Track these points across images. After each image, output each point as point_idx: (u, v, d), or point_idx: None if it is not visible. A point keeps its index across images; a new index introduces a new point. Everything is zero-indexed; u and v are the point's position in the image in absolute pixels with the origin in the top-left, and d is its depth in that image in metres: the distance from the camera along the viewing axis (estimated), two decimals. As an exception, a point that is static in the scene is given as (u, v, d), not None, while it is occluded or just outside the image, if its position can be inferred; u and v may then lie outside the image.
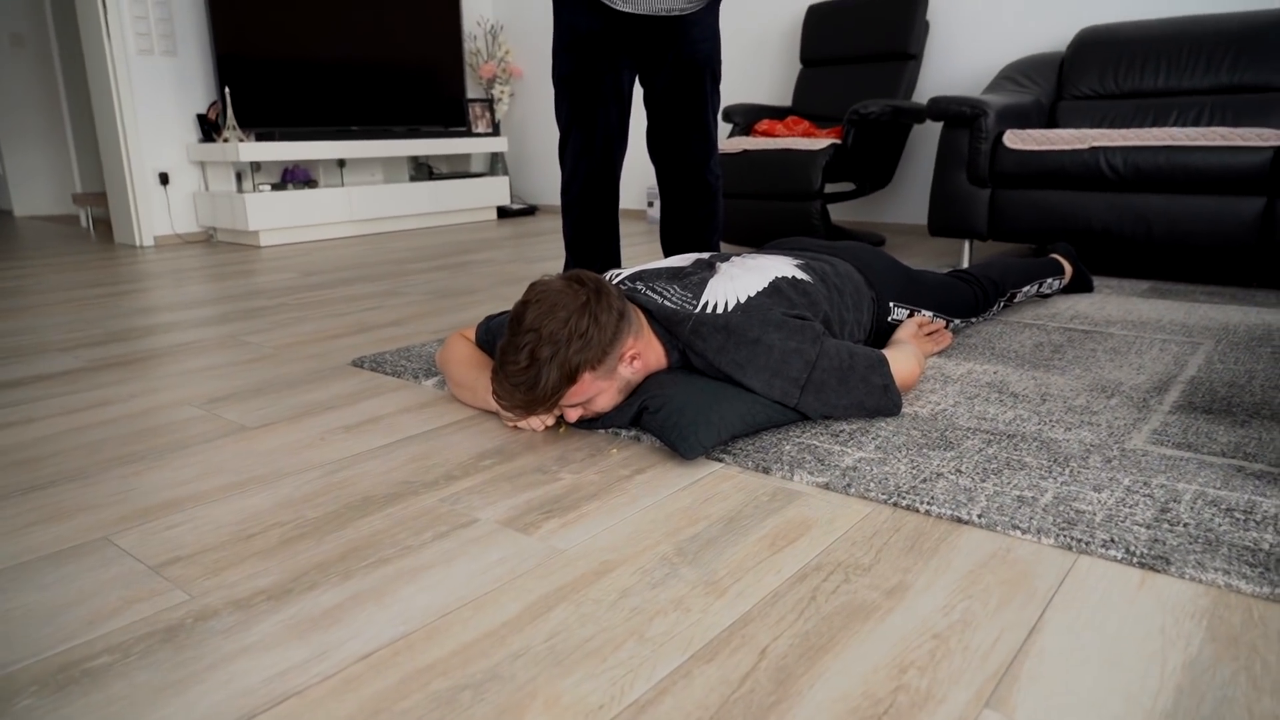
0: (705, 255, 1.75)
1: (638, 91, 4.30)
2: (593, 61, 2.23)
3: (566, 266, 2.52)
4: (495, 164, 5.53)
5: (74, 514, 1.21)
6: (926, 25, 3.83)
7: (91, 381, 1.89)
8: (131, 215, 4.29)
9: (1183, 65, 3.11)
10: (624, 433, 1.46)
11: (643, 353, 1.44)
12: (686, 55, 2.24)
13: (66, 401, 1.74)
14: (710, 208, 2.41)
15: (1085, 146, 2.73)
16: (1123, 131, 2.73)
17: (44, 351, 2.16)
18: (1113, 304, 2.43)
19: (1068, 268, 2.50)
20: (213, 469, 1.36)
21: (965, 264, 3.12)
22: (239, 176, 4.35)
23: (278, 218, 4.27)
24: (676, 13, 2.17)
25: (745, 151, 3.59)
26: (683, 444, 1.31)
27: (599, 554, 1.07)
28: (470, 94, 5.65)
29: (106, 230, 5.09)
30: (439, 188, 4.99)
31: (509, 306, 2.60)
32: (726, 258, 1.72)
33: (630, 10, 2.14)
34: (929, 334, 1.89)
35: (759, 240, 3.68)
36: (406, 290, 2.93)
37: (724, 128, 4.67)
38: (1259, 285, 2.69)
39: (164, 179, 4.33)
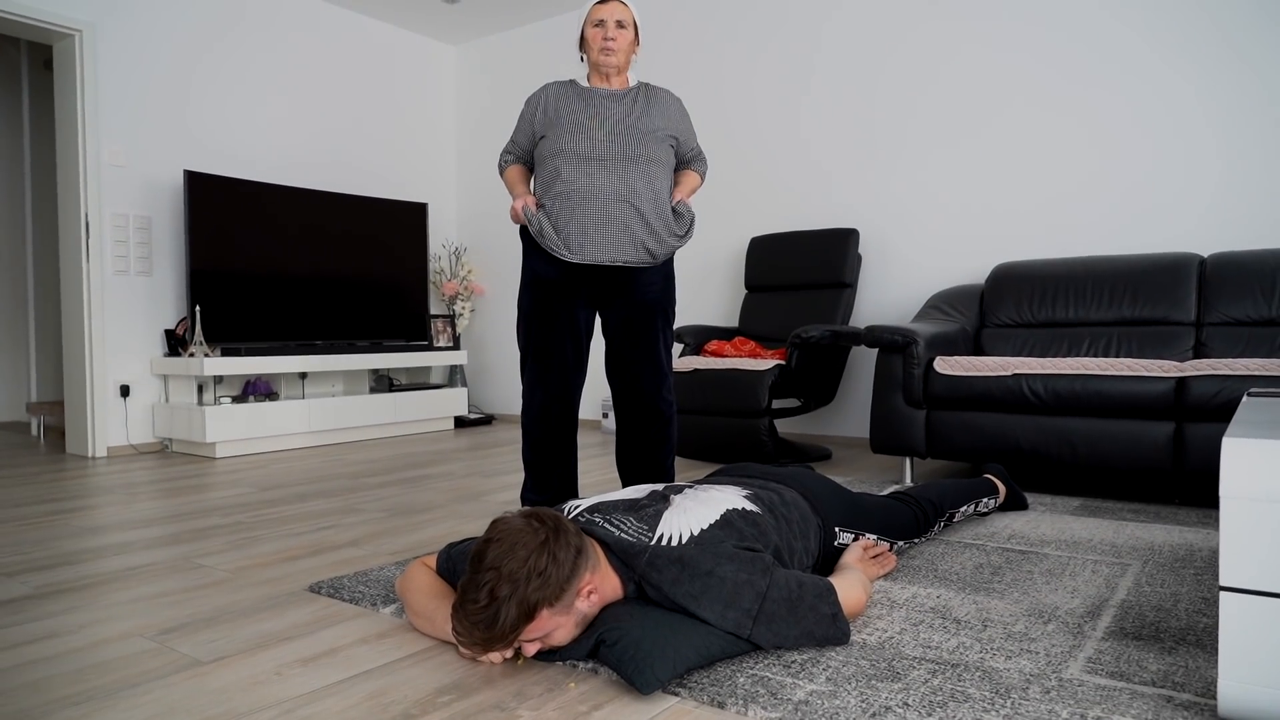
0: (660, 487, 1.85)
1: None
2: (551, 302, 2.43)
3: (524, 485, 2.59)
4: (454, 375, 5.70)
5: (18, 763, 1.18)
6: (859, 258, 4.20)
7: (39, 610, 1.86)
8: (87, 425, 4.30)
9: (1088, 299, 3.44)
10: (582, 664, 1.48)
11: (599, 587, 1.49)
12: (638, 299, 2.45)
13: (12, 634, 1.71)
14: (663, 433, 2.54)
15: (1009, 373, 2.97)
16: (1041, 360, 2.97)
17: (-10, 576, 2.13)
18: (1046, 523, 2.55)
19: (1001, 487, 2.65)
20: (165, 710, 1.35)
21: (908, 479, 3.26)
22: (200, 389, 4.43)
23: (236, 430, 4.31)
24: (620, 264, 2.39)
25: (696, 370, 3.79)
26: (639, 678, 1.35)
27: (558, 800, 1.07)
28: (433, 310, 5.91)
29: (58, 439, 5.06)
30: (398, 399, 5.10)
31: (466, 524, 2.64)
32: (680, 489, 1.82)
33: (579, 261, 2.36)
34: (874, 557, 1.97)
35: (711, 454, 3.81)
36: (364, 507, 2.96)
37: (676, 347, 4.93)
38: (1180, 502, 2.85)
39: (124, 391, 4.38)
